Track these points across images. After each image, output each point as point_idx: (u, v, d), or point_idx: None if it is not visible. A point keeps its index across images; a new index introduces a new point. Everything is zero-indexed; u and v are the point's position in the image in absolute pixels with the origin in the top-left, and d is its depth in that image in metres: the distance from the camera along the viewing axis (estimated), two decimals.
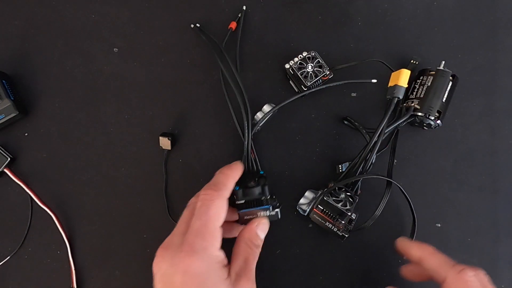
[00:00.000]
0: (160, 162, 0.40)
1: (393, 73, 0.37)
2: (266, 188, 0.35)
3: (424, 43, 0.42)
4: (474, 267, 0.30)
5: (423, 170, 0.40)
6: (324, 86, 0.39)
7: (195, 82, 0.41)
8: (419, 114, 0.37)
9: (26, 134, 0.41)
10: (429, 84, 0.37)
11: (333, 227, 0.36)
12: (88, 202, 0.40)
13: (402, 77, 0.35)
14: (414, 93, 0.38)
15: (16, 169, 0.40)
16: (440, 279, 0.30)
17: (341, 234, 0.36)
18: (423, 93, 0.37)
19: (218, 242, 0.29)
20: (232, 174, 0.33)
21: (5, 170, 0.39)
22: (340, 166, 0.39)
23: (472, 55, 0.42)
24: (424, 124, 0.38)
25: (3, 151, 0.39)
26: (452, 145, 0.41)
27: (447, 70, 0.37)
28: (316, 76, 0.39)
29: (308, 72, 0.39)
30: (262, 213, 0.35)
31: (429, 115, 0.36)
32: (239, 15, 0.42)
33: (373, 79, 0.39)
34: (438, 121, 0.37)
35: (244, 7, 0.42)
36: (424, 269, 0.32)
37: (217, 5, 0.42)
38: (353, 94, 0.41)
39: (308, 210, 0.37)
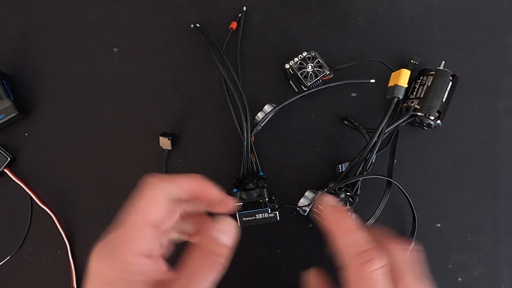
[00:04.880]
0: (160, 162, 0.40)
1: (393, 73, 0.37)
2: (265, 190, 0.35)
3: (424, 43, 0.42)
4: (381, 254, 0.23)
5: (423, 170, 0.40)
6: (323, 86, 0.39)
7: (195, 82, 0.41)
8: (419, 114, 0.37)
9: (26, 134, 0.41)
10: (429, 84, 0.37)
11: None
12: (88, 202, 0.40)
13: (402, 77, 0.35)
14: (414, 93, 0.38)
15: (16, 169, 0.40)
16: (341, 264, 0.24)
17: None
18: (423, 93, 0.37)
19: (140, 244, 0.22)
20: (197, 183, 0.25)
21: (5, 170, 0.39)
22: (340, 166, 0.39)
23: (472, 55, 0.42)
24: (424, 124, 0.38)
25: (3, 151, 0.39)
26: (452, 145, 0.41)
27: (447, 70, 0.37)
28: (316, 76, 0.39)
29: (308, 72, 0.39)
30: (260, 215, 0.35)
31: (429, 115, 0.36)
32: (239, 15, 0.42)
33: (373, 79, 0.39)
34: (438, 121, 0.37)
35: (244, 8, 0.42)
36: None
37: (217, 5, 0.42)
38: (353, 94, 0.41)
39: (308, 210, 0.37)
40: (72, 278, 0.38)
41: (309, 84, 0.38)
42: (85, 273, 0.23)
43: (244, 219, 0.35)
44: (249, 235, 0.39)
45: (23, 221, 0.39)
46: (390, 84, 0.36)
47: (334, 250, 0.25)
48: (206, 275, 0.23)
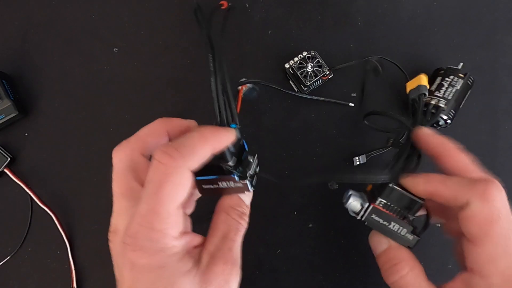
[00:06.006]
0: None
1: (410, 81, 0.37)
2: (227, 151, 0.24)
3: (424, 43, 0.42)
4: (492, 180, 0.25)
5: (423, 170, 0.40)
6: (308, 97, 0.39)
7: (195, 82, 0.41)
8: (443, 117, 0.36)
9: (26, 134, 0.41)
10: (458, 87, 0.37)
11: (400, 228, 0.28)
12: (88, 202, 0.40)
13: (423, 80, 0.35)
14: (442, 92, 0.37)
15: (16, 169, 0.40)
16: (460, 205, 0.25)
17: (412, 237, 0.28)
18: (451, 95, 0.37)
19: (174, 228, 0.22)
20: (212, 139, 0.23)
21: (5, 170, 0.39)
22: (357, 158, 0.38)
23: (472, 55, 0.42)
24: (434, 123, 0.38)
25: (3, 151, 0.39)
26: None
27: (471, 77, 0.38)
28: (316, 75, 0.39)
29: (308, 71, 0.39)
30: (224, 183, 0.26)
31: (450, 119, 0.37)
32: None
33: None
34: (449, 121, 0.37)
35: None
36: (442, 208, 0.26)
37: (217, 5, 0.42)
38: (353, 94, 0.41)
39: (364, 210, 0.29)
40: (72, 278, 0.38)
41: (308, 84, 0.38)
42: (119, 271, 0.24)
43: (204, 187, 0.26)
44: (248, 234, 0.39)
45: (23, 221, 0.39)
46: (410, 88, 0.36)
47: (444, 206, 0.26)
48: (237, 234, 0.25)
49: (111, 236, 0.24)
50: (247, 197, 0.27)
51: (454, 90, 0.37)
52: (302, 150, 0.41)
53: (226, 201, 0.26)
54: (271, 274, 0.39)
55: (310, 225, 0.40)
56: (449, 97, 0.37)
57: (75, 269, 0.38)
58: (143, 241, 0.21)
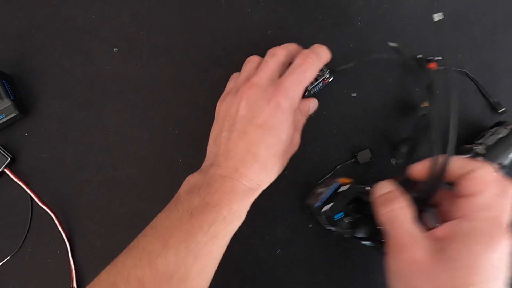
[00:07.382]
0: (160, 161, 0.40)
1: None
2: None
3: (424, 43, 0.42)
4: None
5: None
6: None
7: (195, 82, 0.41)
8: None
9: (26, 134, 0.41)
10: (504, 135, 0.37)
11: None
12: (88, 202, 0.40)
13: None
14: (481, 139, 0.38)
15: (16, 169, 0.40)
16: (465, 172, 0.28)
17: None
18: (493, 141, 0.37)
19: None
20: (327, 55, 0.36)
21: (5, 170, 0.39)
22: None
23: (473, 55, 0.42)
24: None
25: (3, 151, 0.39)
26: None
27: None
28: (316, 80, 0.38)
29: None
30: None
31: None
32: None
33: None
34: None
35: None
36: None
37: (217, 5, 0.42)
38: (353, 94, 0.41)
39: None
40: (72, 278, 0.38)
41: (310, 88, 0.38)
42: (246, 102, 0.32)
43: None
44: (249, 234, 0.39)
45: (23, 221, 0.39)
46: None
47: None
48: None
49: (250, 86, 0.33)
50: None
51: (497, 137, 0.37)
52: (302, 150, 0.40)
53: None
54: (271, 274, 0.39)
55: (310, 225, 0.40)
56: (491, 143, 0.36)
57: (75, 269, 0.38)
58: (291, 92, 0.33)
